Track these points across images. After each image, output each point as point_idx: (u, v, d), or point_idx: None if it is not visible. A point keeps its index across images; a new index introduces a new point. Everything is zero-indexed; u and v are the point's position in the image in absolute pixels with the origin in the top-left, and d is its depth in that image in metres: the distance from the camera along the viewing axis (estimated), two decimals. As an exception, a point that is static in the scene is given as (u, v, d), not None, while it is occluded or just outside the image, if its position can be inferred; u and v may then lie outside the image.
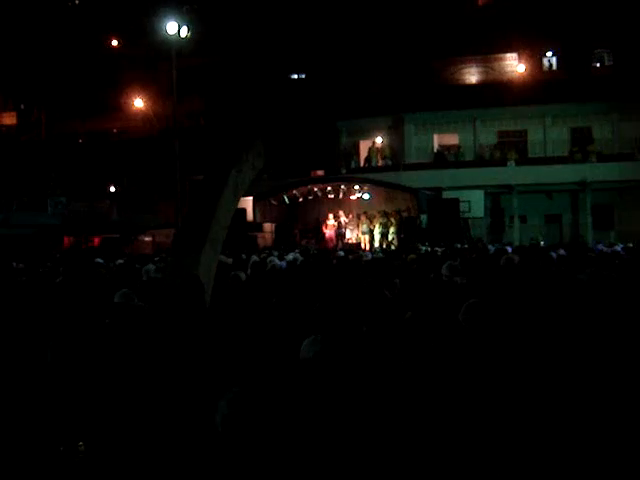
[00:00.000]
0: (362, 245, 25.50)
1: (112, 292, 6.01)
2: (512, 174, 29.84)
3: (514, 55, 34.86)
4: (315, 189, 27.58)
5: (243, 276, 7.67)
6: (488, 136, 32.49)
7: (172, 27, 24.59)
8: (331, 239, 26.61)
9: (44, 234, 26.01)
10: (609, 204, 29.91)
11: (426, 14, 33.66)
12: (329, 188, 27.30)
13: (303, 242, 25.60)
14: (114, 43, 41.17)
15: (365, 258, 12.29)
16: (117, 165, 35.34)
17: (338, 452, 2.67)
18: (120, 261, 13.00)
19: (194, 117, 36.91)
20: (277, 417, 2.29)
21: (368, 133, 33.61)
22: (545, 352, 3.86)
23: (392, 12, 33.42)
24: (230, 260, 11.04)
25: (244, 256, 12.57)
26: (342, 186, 27.22)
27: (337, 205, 27.66)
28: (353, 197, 27.43)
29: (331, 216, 27.30)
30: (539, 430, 3.09)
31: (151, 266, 8.81)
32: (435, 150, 32.81)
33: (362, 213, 26.89)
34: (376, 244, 25.23)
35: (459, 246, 16.98)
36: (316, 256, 13.65)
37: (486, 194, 28.14)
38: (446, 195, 27.71)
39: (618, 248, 15.01)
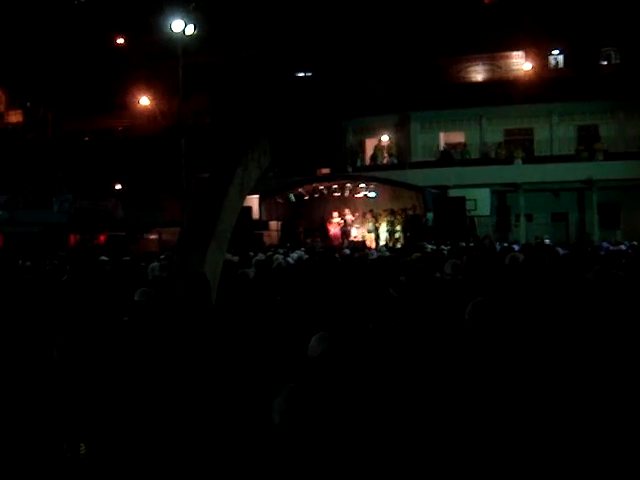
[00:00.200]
0: (367, 243, 25.46)
1: (117, 290, 6.02)
2: (518, 172, 29.74)
3: (520, 53, 34.80)
4: (321, 187, 27.54)
5: (251, 274, 7.64)
6: (494, 134, 32.41)
7: (178, 25, 24.62)
8: (337, 237, 26.57)
9: (50, 232, 26.05)
10: (615, 202, 29.82)
11: (432, 12, 33.61)
12: (335, 186, 27.24)
13: (309, 240, 25.56)
14: (120, 41, 41.19)
15: (371, 256, 12.26)
16: (123, 163, 35.34)
17: (346, 448, 2.67)
18: (126, 258, 13.01)
19: (200, 115, 36.98)
20: (329, 409, 2.56)
21: (374, 131, 33.59)
22: (552, 350, 3.85)
23: (398, 10, 33.38)
24: (236, 258, 11.04)
25: (252, 254, 12.55)
26: (348, 184, 27.15)
27: (343, 203, 27.60)
28: (359, 195, 27.37)
29: (337, 214, 27.28)
30: (551, 429, 3.08)
31: (156, 264, 8.79)
32: (441, 148, 32.69)
33: (368, 211, 26.82)
34: (382, 242, 25.18)
35: (464, 244, 16.92)
36: (322, 254, 13.61)
37: (492, 192, 28.10)
38: (452, 193, 27.68)
39: (624, 247, 14.94)
